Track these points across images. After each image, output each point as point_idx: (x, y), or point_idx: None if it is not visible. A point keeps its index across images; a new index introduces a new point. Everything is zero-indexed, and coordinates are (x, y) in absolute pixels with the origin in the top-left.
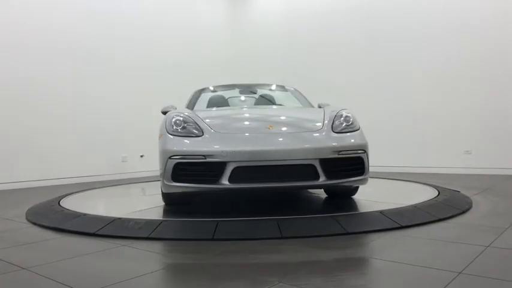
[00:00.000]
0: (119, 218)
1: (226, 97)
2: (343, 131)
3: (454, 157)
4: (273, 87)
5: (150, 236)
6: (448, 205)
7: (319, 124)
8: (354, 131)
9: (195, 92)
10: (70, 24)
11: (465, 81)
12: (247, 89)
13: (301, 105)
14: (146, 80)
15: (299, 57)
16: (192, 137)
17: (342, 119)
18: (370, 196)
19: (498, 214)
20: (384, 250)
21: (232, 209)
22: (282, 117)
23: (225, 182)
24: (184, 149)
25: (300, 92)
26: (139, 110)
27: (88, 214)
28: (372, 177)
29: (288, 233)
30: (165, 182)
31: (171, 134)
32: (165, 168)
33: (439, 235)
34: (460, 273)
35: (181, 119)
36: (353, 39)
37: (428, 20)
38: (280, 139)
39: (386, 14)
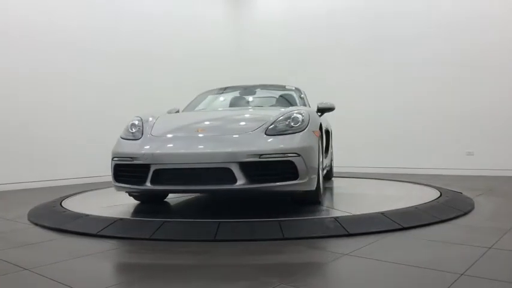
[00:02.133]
0: (121, 219)
1: (222, 99)
2: (281, 133)
3: (456, 158)
4: (273, 87)
5: (151, 237)
6: (450, 206)
7: (255, 126)
8: (296, 132)
9: (200, 94)
10: (71, 24)
11: (467, 81)
12: (247, 90)
13: (287, 106)
14: (147, 81)
15: (300, 57)
16: (132, 140)
17: (288, 120)
18: (372, 197)
19: (500, 215)
20: (385, 251)
21: (234, 210)
22: (226, 120)
23: (148, 183)
24: (120, 151)
25: (300, 92)
26: (140, 110)
27: (90, 215)
28: (373, 179)
29: (289, 234)
30: (112, 182)
31: (121, 137)
32: (111, 169)
33: (441, 236)
34: (462, 274)
35: (136, 122)
36: (355, 39)
37: (429, 20)
38: (200, 142)
39: (387, 14)
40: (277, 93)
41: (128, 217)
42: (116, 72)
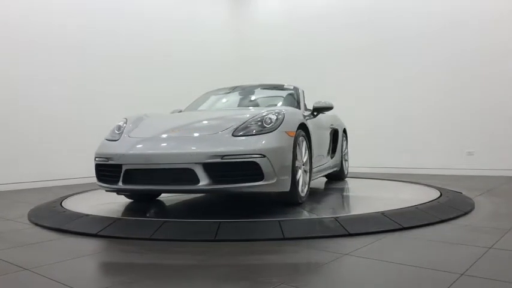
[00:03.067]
0: (121, 219)
1: (220, 99)
2: (249, 133)
3: (457, 158)
4: (272, 87)
5: (152, 237)
6: (450, 206)
7: (225, 127)
8: (265, 133)
9: (203, 94)
10: (71, 26)
11: (468, 81)
12: (245, 90)
13: (285, 105)
14: (148, 82)
15: (301, 58)
16: (112, 140)
17: (261, 120)
18: (372, 197)
19: (500, 215)
20: (385, 251)
21: (234, 210)
22: (202, 121)
23: (120, 183)
24: (100, 151)
25: (298, 91)
26: (141, 110)
27: (90, 215)
28: (373, 179)
29: (290, 234)
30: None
31: (105, 138)
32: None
33: (441, 236)
34: (462, 274)
35: (120, 124)
36: (356, 40)
37: (430, 22)
38: (166, 143)
39: (389, 16)
40: (276, 93)
41: (128, 217)
42: (116, 74)
